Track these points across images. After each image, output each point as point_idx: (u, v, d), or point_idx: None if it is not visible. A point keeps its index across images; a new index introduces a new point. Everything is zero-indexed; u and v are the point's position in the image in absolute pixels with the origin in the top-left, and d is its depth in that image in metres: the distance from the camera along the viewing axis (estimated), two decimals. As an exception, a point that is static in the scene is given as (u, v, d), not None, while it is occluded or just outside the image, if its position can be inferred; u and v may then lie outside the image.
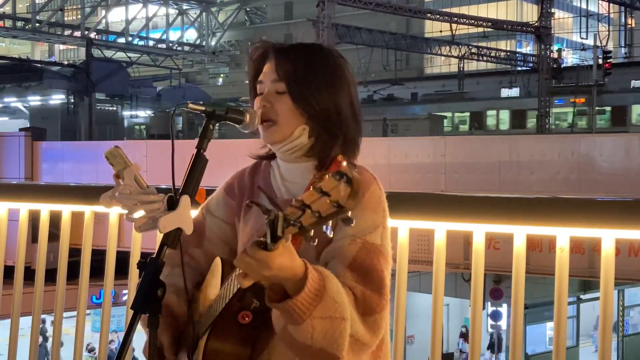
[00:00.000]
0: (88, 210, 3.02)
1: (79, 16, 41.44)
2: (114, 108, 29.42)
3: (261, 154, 1.98)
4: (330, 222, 1.40)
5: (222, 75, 52.57)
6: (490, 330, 18.16)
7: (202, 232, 1.99)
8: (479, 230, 2.33)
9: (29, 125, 24.69)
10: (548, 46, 32.02)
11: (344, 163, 1.41)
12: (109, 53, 36.82)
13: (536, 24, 32.10)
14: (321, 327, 1.58)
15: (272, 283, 1.57)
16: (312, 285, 1.56)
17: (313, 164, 1.86)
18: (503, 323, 17.75)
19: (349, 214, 1.38)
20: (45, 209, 3.11)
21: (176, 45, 43.18)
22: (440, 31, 35.59)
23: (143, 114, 33.02)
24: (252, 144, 1.99)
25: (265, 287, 1.59)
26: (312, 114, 1.82)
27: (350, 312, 1.63)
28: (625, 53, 37.06)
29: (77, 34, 38.34)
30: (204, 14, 44.91)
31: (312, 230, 1.41)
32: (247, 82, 1.95)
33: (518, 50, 41.96)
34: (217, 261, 1.87)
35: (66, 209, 3.07)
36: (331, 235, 1.42)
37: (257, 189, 1.95)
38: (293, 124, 1.83)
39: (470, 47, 35.97)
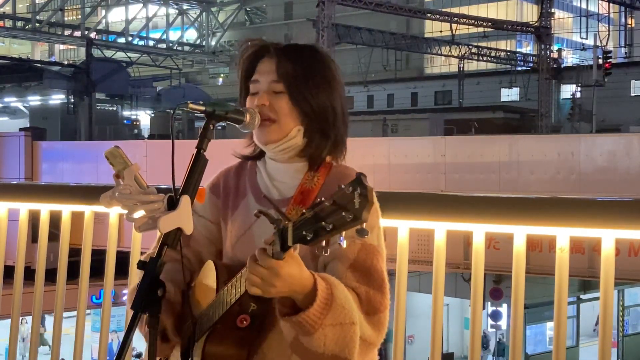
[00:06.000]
0: (88, 210, 3.01)
1: (79, 16, 41.43)
2: (114, 108, 29.40)
3: (247, 154, 1.98)
4: (344, 232, 1.39)
5: (222, 75, 52.53)
6: (490, 329, 18.11)
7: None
8: (479, 230, 2.33)
9: (29, 125, 24.69)
10: (548, 46, 32.02)
11: (360, 175, 1.39)
12: (109, 53, 36.79)
13: (536, 24, 32.10)
14: (332, 334, 1.60)
15: (282, 297, 1.58)
16: (321, 295, 1.58)
17: (303, 165, 1.87)
18: (503, 323, 17.75)
19: (364, 225, 1.37)
20: (45, 209, 3.10)
21: (176, 45, 43.15)
22: (440, 31, 35.57)
23: (143, 114, 33.00)
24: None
25: (275, 302, 1.60)
26: (309, 114, 1.83)
27: (358, 315, 1.65)
28: (625, 53, 37.06)
29: (77, 34, 38.31)
30: (204, 14, 44.88)
31: (324, 241, 1.41)
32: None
33: (518, 50, 41.93)
34: (210, 264, 1.86)
35: (66, 209, 3.06)
36: (345, 246, 1.41)
37: (244, 188, 1.94)
38: (290, 124, 1.83)
39: (470, 47, 35.93)
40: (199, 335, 1.80)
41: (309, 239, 1.41)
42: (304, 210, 1.42)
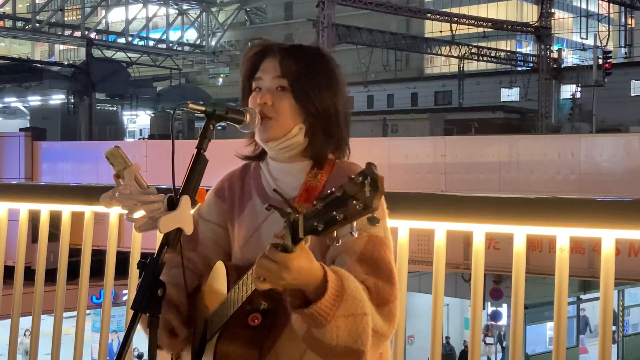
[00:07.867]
0: (88, 210, 3.01)
1: (79, 16, 41.46)
2: (114, 108, 29.41)
3: (247, 154, 1.98)
4: (355, 222, 1.39)
5: (222, 75, 52.52)
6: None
7: (196, 237, 1.98)
8: (479, 230, 2.33)
9: (29, 125, 24.70)
10: (548, 46, 32.04)
11: (370, 164, 1.39)
12: (109, 53, 36.80)
13: (536, 24, 32.11)
14: (345, 325, 1.59)
15: (292, 289, 1.57)
16: (332, 287, 1.57)
17: (308, 164, 1.87)
18: (503, 323, 17.74)
19: (375, 213, 1.37)
20: (45, 209, 3.11)
21: (176, 46, 43.17)
22: (440, 31, 35.57)
23: (143, 114, 33.01)
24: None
25: (286, 295, 1.60)
26: (312, 112, 1.83)
27: (369, 306, 1.65)
28: (625, 53, 37.07)
29: (77, 34, 38.34)
30: (204, 14, 44.90)
31: (335, 232, 1.41)
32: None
33: (518, 50, 41.92)
34: (220, 265, 1.86)
35: (66, 209, 3.07)
36: (356, 236, 1.42)
37: (250, 190, 1.95)
38: (291, 122, 1.83)
39: (470, 47, 35.93)
40: (210, 335, 1.80)
41: (320, 229, 1.40)
42: (314, 202, 1.42)
